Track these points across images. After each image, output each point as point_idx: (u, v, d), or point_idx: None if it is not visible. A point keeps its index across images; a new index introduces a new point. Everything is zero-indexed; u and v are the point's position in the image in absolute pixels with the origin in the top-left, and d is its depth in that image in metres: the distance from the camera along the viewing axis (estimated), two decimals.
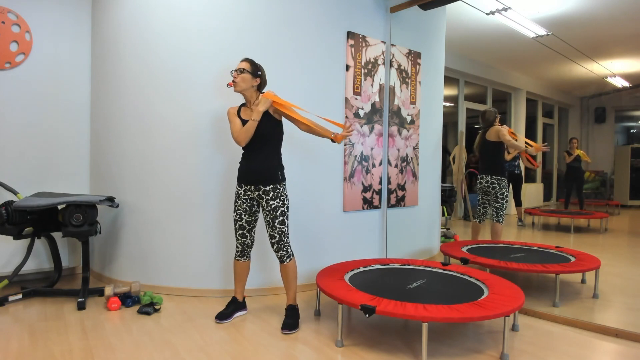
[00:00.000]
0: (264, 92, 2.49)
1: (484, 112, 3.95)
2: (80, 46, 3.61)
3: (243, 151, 2.54)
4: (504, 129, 3.77)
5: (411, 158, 3.94)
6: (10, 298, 2.86)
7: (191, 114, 3.05)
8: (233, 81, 2.44)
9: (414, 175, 3.98)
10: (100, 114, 3.50)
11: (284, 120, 2.67)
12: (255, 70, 2.48)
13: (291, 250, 2.53)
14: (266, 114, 2.45)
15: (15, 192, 3.25)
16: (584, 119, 4.07)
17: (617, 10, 3.56)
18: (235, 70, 2.45)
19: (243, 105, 2.57)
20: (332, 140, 2.48)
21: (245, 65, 2.45)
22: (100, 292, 3.04)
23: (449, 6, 4.18)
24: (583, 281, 3.33)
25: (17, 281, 3.40)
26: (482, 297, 2.30)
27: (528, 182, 4.44)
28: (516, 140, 3.95)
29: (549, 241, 3.98)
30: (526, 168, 4.42)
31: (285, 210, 2.47)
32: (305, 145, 3.24)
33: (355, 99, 3.47)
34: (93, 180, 3.63)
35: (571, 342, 2.34)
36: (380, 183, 3.68)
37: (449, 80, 4.62)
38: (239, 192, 2.53)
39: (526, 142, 4.07)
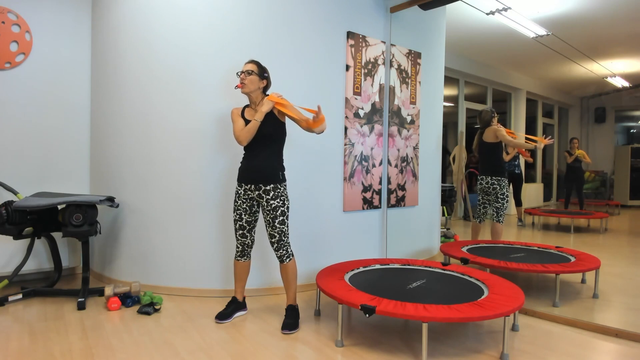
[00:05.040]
0: (268, 94, 2.50)
1: (480, 112, 3.95)
2: (80, 46, 3.61)
3: (245, 151, 2.54)
4: (502, 129, 3.77)
5: (411, 158, 3.94)
6: (10, 298, 2.86)
7: (191, 113, 3.05)
8: (242, 83, 2.45)
9: (414, 175, 3.98)
10: (100, 114, 3.51)
11: (287, 121, 2.67)
12: (262, 72, 2.50)
13: (291, 250, 2.53)
14: (270, 114, 2.46)
15: (15, 192, 3.25)
16: (584, 119, 4.07)
17: (617, 10, 3.56)
18: (243, 72, 2.45)
19: (247, 106, 2.57)
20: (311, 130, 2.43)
21: (253, 67, 2.47)
22: (100, 292, 3.04)
23: (449, 6, 4.18)
24: (583, 281, 3.33)
25: (17, 281, 3.40)
26: (482, 297, 2.30)
27: (528, 182, 4.44)
28: (515, 139, 3.95)
29: (549, 241, 3.98)
30: (526, 168, 4.42)
31: (286, 210, 2.48)
32: (305, 145, 3.24)
33: (355, 99, 3.47)
34: (93, 180, 3.64)
35: (571, 342, 2.34)
36: (380, 183, 3.68)
37: (449, 80, 4.62)
38: (239, 192, 2.53)
39: (529, 139, 4.07)
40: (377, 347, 2.23)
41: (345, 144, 3.42)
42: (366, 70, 3.53)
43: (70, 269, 3.62)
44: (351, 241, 3.51)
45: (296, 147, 3.20)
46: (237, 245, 2.61)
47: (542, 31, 3.89)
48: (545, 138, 3.72)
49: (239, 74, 2.48)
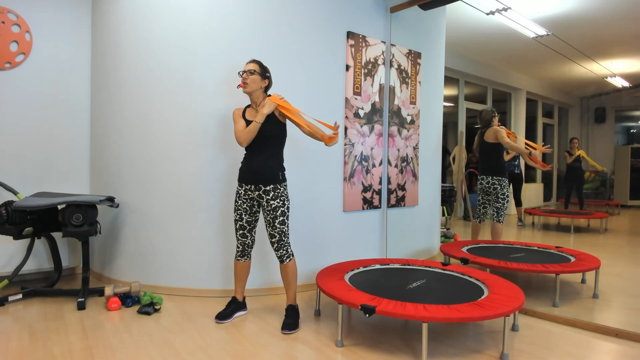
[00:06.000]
0: (270, 95, 2.50)
1: (481, 112, 3.95)
2: (80, 46, 3.61)
3: (245, 151, 2.54)
4: (502, 131, 3.77)
5: (411, 158, 3.94)
6: (10, 298, 2.86)
7: (192, 113, 3.05)
8: (244, 82, 2.45)
9: (414, 175, 3.98)
10: (100, 114, 3.51)
11: (288, 122, 2.67)
12: (264, 71, 2.50)
13: (291, 250, 2.53)
14: (271, 115, 2.46)
15: (15, 192, 3.25)
16: (584, 119, 4.07)
17: (617, 10, 3.56)
18: (245, 72, 2.45)
19: (248, 106, 2.58)
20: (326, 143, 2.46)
21: (255, 67, 2.47)
22: (100, 292, 3.04)
23: (449, 6, 4.18)
24: (583, 281, 3.33)
25: (17, 281, 3.40)
26: (482, 297, 2.30)
27: (528, 182, 4.44)
28: (515, 141, 3.95)
29: (549, 241, 3.98)
30: (526, 168, 4.42)
31: (286, 211, 2.48)
32: (305, 145, 3.24)
33: (355, 99, 3.47)
34: (93, 180, 3.64)
35: (571, 342, 2.34)
36: (380, 183, 3.68)
37: (449, 80, 4.62)
38: (240, 192, 2.53)
39: (527, 145, 4.07)
40: (377, 347, 2.23)
41: (345, 144, 3.42)
42: (366, 70, 3.53)
43: (70, 269, 3.62)
44: (351, 241, 3.51)
45: (296, 147, 3.20)
46: (237, 245, 2.61)
47: (542, 31, 3.89)
48: (543, 146, 3.73)
49: (241, 73, 2.48)
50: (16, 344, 2.21)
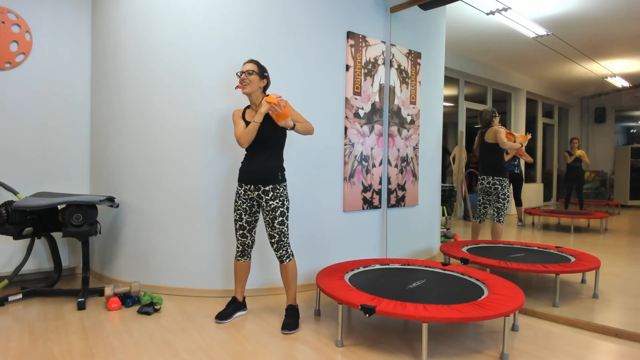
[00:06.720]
0: (268, 95, 2.49)
1: (481, 112, 3.96)
2: (80, 46, 3.61)
3: (245, 152, 2.54)
4: (502, 132, 3.77)
5: (411, 158, 3.94)
6: (10, 298, 2.86)
7: (191, 113, 3.05)
8: (242, 83, 2.45)
9: (414, 175, 3.98)
10: (100, 114, 3.51)
11: None
12: (262, 71, 2.50)
13: (291, 251, 2.53)
14: (270, 116, 2.45)
15: (15, 192, 3.25)
16: (584, 119, 4.07)
17: (617, 10, 3.56)
18: (243, 72, 2.45)
19: (248, 107, 2.58)
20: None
21: (253, 67, 2.46)
22: (100, 292, 3.04)
23: (449, 6, 4.18)
24: (583, 281, 3.33)
25: (17, 281, 3.40)
26: (482, 297, 2.30)
27: (528, 182, 4.44)
28: (514, 141, 3.95)
29: (549, 241, 3.98)
30: (526, 168, 4.42)
31: (285, 211, 2.48)
32: (305, 145, 3.24)
33: (355, 99, 3.47)
34: (93, 180, 3.64)
35: (571, 342, 2.34)
36: (380, 183, 3.68)
37: (449, 80, 4.62)
38: (239, 192, 2.54)
39: (515, 136, 4.08)
40: (377, 347, 2.23)
41: (345, 144, 3.42)
42: (366, 70, 3.53)
43: (70, 269, 3.62)
44: (351, 241, 3.51)
45: (296, 147, 3.20)
46: (237, 245, 2.62)
47: (542, 31, 3.89)
48: (526, 134, 3.77)
49: (239, 74, 2.48)
50: (16, 344, 2.21)
